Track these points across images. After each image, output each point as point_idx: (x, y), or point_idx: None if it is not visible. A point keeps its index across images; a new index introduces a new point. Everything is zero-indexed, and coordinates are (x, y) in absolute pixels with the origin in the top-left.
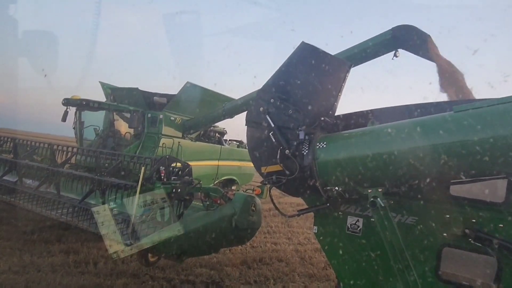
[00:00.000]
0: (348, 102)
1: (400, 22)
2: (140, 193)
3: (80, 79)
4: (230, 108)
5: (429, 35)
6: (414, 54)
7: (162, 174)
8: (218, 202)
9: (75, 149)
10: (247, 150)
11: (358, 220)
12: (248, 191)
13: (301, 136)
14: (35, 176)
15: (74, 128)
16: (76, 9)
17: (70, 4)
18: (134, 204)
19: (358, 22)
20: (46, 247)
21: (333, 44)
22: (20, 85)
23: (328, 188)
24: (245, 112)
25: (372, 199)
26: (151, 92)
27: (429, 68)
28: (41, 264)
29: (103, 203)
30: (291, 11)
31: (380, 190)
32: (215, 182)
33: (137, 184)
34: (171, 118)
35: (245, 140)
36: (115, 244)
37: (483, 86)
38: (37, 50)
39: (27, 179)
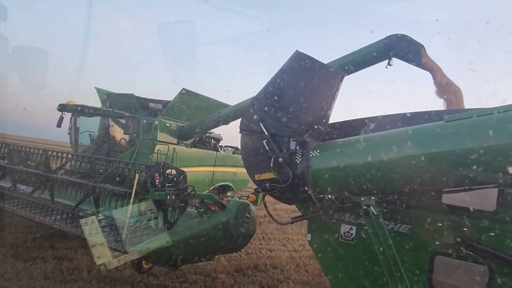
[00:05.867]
0: (342, 110)
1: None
2: (134, 200)
3: (75, 85)
4: (226, 114)
5: (422, 45)
6: (408, 63)
7: (157, 181)
8: (213, 209)
9: (69, 155)
10: None
11: (351, 228)
12: (242, 198)
13: (294, 144)
14: (29, 182)
15: (69, 133)
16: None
17: (68, 8)
18: (128, 212)
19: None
20: (39, 254)
21: (327, 50)
22: (14, 90)
23: (321, 196)
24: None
25: (365, 207)
26: (147, 98)
27: (425, 77)
28: (34, 271)
29: (97, 209)
30: (281, 20)
31: (373, 198)
32: (210, 189)
33: (131, 191)
34: (167, 124)
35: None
36: (102, 256)
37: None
38: (33, 56)
39: (21, 185)
